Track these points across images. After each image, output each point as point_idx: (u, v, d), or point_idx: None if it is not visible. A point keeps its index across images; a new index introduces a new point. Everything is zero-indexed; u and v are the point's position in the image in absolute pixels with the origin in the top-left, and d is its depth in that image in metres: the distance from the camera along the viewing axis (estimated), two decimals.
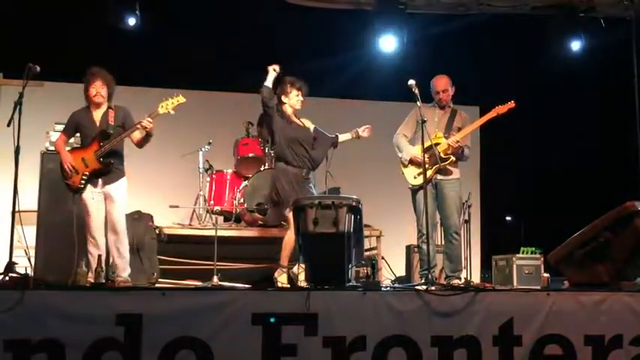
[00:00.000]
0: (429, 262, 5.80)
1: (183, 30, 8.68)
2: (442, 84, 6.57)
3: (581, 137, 9.57)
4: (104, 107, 6.03)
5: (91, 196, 5.94)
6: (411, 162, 6.43)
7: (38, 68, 5.43)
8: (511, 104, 6.42)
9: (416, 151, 6.34)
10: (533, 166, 10.06)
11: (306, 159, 6.36)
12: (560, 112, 9.50)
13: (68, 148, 6.10)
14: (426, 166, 5.98)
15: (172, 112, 5.98)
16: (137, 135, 6.00)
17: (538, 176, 9.70)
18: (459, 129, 6.51)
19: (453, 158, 6.38)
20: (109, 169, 5.92)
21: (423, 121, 5.76)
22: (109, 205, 5.94)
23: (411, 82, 5.82)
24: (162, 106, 5.96)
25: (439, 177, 6.41)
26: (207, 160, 8.11)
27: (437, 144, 6.35)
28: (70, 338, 4.24)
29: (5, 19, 7.76)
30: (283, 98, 6.38)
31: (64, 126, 6.21)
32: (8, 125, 5.20)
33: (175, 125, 8.56)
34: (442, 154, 6.34)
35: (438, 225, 6.76)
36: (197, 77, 8.99)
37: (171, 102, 5.95)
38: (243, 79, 7.91)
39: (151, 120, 5.87)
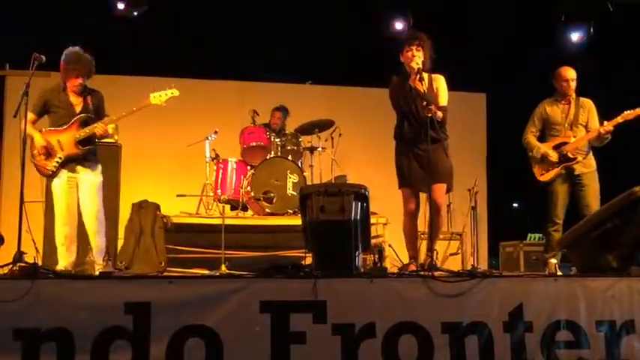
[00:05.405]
0: (431, 246, 5.74)
1: (187, 18, 8.66)
2: (572, 72, 6.55)
3: None
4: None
5: (67, 181, 5.78)
6: (542, 159, 6.50)
7: (44, 58, 5.33)
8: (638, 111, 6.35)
9: (547, 147, 6.49)
10: None
11: None
12: None
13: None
14: (555, 163, 6.37)
15: (164, 104, 5.90)
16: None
17: None
18: (583, 124, 6.51)
19: (580, 158, 6.41)
20: (86, 155, 5.78)
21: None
22: (86, 192, 5.78)
23: (418, 65, 5.66)
24: (154, 97, 5.83)
25: (577, 170, 6.46)
26: (213, 149, 8.11)
27: (565, 143, 6.45)
28: (78, 327, 4.24)
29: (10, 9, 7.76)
30: None
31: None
32: (15, 116, 5.20)
33: (181, 114, 8.58)
34: (570, 154, 6.42)
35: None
36: (202, 66, 8.98)
37: (165, 94, 5.85)
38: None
39: (105, 128, 5.74)
